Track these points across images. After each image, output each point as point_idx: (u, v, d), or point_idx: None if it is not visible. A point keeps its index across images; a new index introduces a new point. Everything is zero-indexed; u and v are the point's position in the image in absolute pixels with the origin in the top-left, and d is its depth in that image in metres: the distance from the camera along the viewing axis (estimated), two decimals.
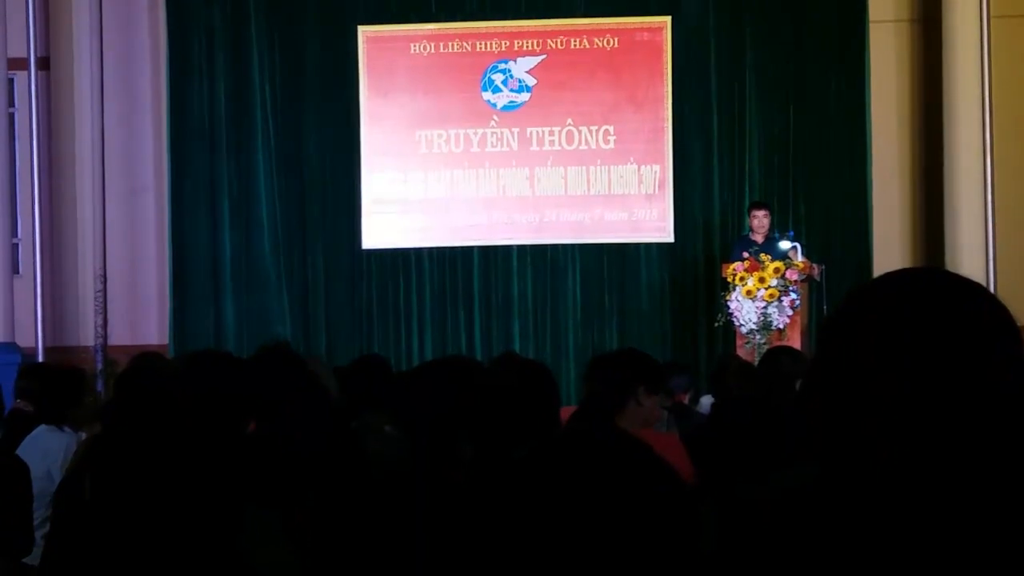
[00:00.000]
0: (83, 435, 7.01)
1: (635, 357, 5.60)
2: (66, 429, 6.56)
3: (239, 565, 2.98)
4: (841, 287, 14.10)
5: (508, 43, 14.79)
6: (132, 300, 14.77)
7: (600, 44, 14.73)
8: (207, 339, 14.41)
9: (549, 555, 1.67)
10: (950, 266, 12.84)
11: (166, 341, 14.39)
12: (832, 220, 14.59)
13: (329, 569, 3.70)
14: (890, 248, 14.29)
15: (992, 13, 13.78)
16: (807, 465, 1.68)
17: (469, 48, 14.82)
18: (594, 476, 1.72)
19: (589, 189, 14.72)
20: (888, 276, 1.74)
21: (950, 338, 1.61)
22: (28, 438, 6.44)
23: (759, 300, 12.23)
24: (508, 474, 1.77)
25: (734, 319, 12.43)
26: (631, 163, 14.69)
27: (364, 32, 14.84)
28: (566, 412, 5.49)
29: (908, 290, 1.68)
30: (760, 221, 12.98)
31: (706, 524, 1.77)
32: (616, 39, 14.73)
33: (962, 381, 1.59)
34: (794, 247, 12.55)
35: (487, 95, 14.79)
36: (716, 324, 13.02)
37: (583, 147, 14.71)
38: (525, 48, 14.77)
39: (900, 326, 1.63)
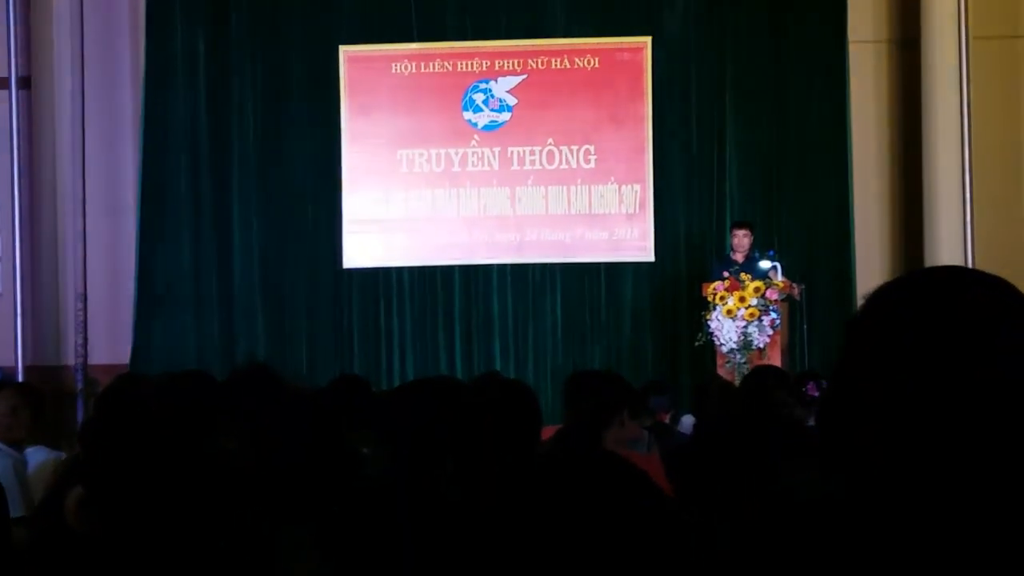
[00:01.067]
0: (62, 455, 7.00)
1: (618, 380, 5.68)
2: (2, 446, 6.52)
3: None
4: (822, 305, 14.17)
5: (489, 63, 14.82)
6: (113, 319, 14.73)
7: (581, 64, 14.77)
8: (183, 359, 14.34)
9: (538, 567, 1.68)
10: None
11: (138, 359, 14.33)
12: (813, 239, 14.63)
13: None
14: (871, 266, 14.32)
15: (972, 35, 13.87)
16: (816, 475, 1.67)
17: (450, 68, 14.85)
18: (582, 491, 1.73)
19: (570, 208, 14.73)
20: (914, 275, 1.69)
21: (984, 339, 1.56)
22: None
23: (739, 320, 12.26)
24: (497, 490, 1.78)
25: (714, 338, 12.46)
26: (612, 183, 14.71)
27: (345, 52, 14.86)
28: (547, 432, 5.52)
29: (938, 288, 1.63)
30: (741, 240, 13.02)
31: (690, 538, 1.78)
32: (596, 59, 14.77)
33: (998, 384, 1.54)
34: (774, 267, 12.58)
35: (468, 115, 14.81)
36: (696, 343, 13.03)
37: (564, 167, 14.73)
38: (506, 68, 14.80)
39: (930, 326, 1.58)
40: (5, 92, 14.18)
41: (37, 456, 6.84)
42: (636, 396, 5.50)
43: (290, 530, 2.11)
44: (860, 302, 1.73)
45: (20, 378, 12.81)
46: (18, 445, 6.59)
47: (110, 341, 14.59)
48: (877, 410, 1.59)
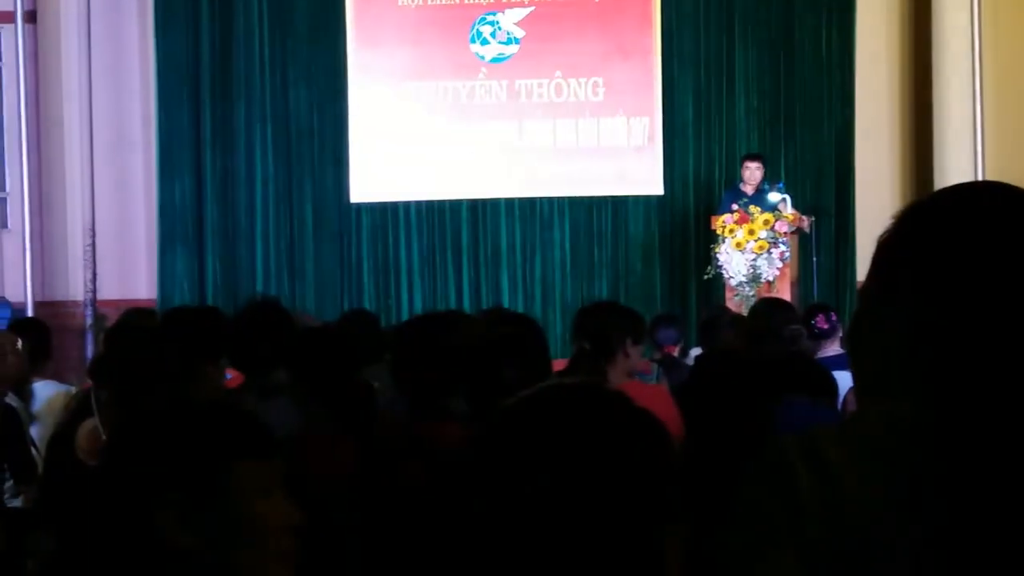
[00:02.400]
0: (72, 389, 7.02)
1: (619, 309, 5.70)
2: None
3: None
4: (830, 238, 14.15)
5: None
6: (121, 254, 14.72)
7: None
8: (193, 294, 14.42)
9: (533, 506, 1.67)
10: None
11: (155, 296, 14.37)
12: (821, 170, 14.59)
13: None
14: (879, 199, 14.28)
15: None
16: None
17: (457, 0, 14.74)
18: (575, 425, 1.72)
19: (578, 142, 14.67)
20: (944, 192, 1.63)
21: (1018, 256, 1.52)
22: None
23: (748, 252, 12.24)
24: (493, 424, 1.77)
25: (723, 271, 12.44)
26: (620, 115, 14.64)
27: None
28: (558, 365, 5.54)
29: (971, 205, 1.58)
30: (752, 173, 12.96)
31: (683, 474, 1.76)
32: None
33: None
34: (783, 199, 12.55)
35: (475, 47, 14.72)
36: (705, 276, 13.02)
37: (572, 99, 14.65)
38: (513, 0, 14.69)
39: (966, 244, 1.54)
40: (11, 26, 14.11)
41: (46, 391, 6.86)
42: (639, 325, 5.51)
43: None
44: (889, 223, 1.65)
45: (30, 314, 12.82)
46: (21, 386, 6.57)
47: (119, 276, 14.60)
48: (927, 329, 1.54)
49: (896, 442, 1.53)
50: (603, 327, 5.42)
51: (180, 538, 2.10)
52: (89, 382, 5.03)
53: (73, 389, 6.91)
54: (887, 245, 1.62)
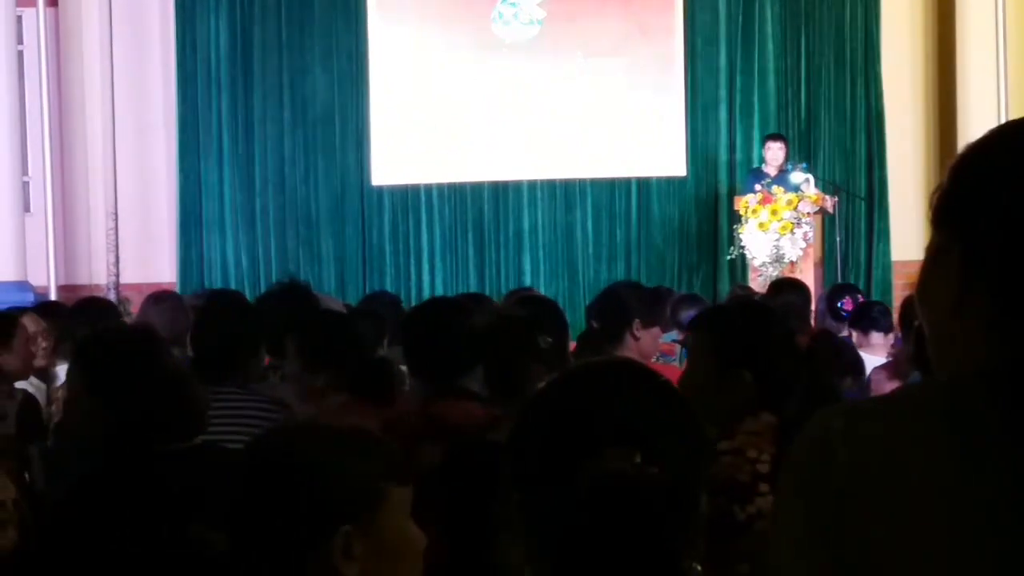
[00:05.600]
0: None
1: (630, 290, 5.64)
2: None
3: None
4: (857, 218, 14.09)
5: None
6: (143, 237, 14.74)
7: None
8: (215, 277, 14.44)
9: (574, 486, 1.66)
10: None
11: (176, 279, 14.40)
12: (846, 149, 14.51)
13: None
14: (904, 173, 14.22)
15: None
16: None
17: None
18: (613, 402, 1.71)
19: (600, 122, 14.60)
20: (998, 132, 1.54)
21: None
22: None
23: (772, 233, 12.19)
24: (529, 408, 1.78)
25: (747, 252, 12.40)
26: (643, 95, 14.57)
27: None
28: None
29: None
30: (775, 153, 12.91)
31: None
32: None
33: None
34: (807, 179, 12.49)
35: (497, 28, 14.66)
36: (728, 257, 12.99)
37: (594, 80, 14.58)
38: None
39: None
40: (32, 10, 14.11)
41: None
42: (651, 307, 5.43)
43: None
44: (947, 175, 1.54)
45: (53, 298, 12.83)
46: (45, 371, 6.57)
47: (141, 260, 14.61)
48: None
49: (959, 396, 1.47)
50: (610, 308, 5.38)
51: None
52: None
53: None
54: (940, 196, 1.54)
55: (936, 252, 1.52)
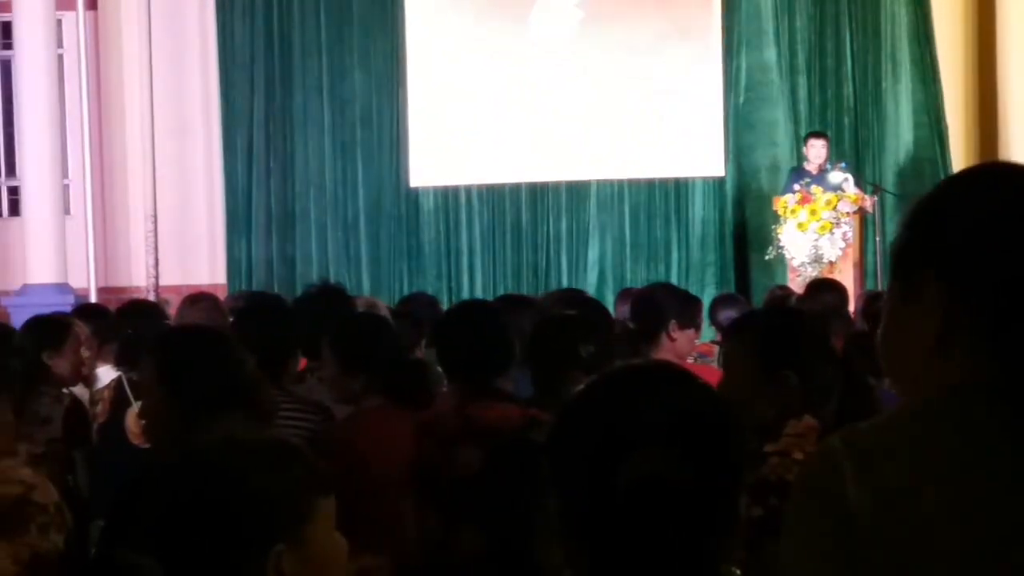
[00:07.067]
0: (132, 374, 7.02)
1: (667, 292, 5.66)
2: None
3: None
4: (896, 218, 13.99)
5: None
6: (182, 239, 14.80)
7: None
8: (255, 279, 14.48)
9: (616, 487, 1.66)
10: None
11: (217, 281, 14.43)
12: (890, 149, 14.44)
13: None
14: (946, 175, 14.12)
15: None
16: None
17: None
18: (655, 404, 1.71)
19: (638, 123, 14.56)
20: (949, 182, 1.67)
21: None
22: None
23: (811, 233, 12.13)
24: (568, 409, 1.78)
25: (786, 252, 12.34)
26: (681, 96, 14.52)
27: None
28: None
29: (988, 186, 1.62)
30: (817, 151, 12.83)
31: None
32: None
33: None
34: (847, 179, 12.42)
35: (535, 28, 14.64)
36: (767, 257, 12.92)
37: (632, 79, 14.53)
38: None
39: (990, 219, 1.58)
40: (72, 13, 14.18)
41: (109, 376, 6.86)
42: (687, 308, 5.43)
43: None
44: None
45: (93, 300, 12.89)
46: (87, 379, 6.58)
47: (180, 262, 14.68)
48: None
49: (957, 407, 1.54)
50: (646, 309, 5.39)
51: None
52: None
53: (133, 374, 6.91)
54: (904, 247, 1.64)
55: (903, 299, 1.62)
